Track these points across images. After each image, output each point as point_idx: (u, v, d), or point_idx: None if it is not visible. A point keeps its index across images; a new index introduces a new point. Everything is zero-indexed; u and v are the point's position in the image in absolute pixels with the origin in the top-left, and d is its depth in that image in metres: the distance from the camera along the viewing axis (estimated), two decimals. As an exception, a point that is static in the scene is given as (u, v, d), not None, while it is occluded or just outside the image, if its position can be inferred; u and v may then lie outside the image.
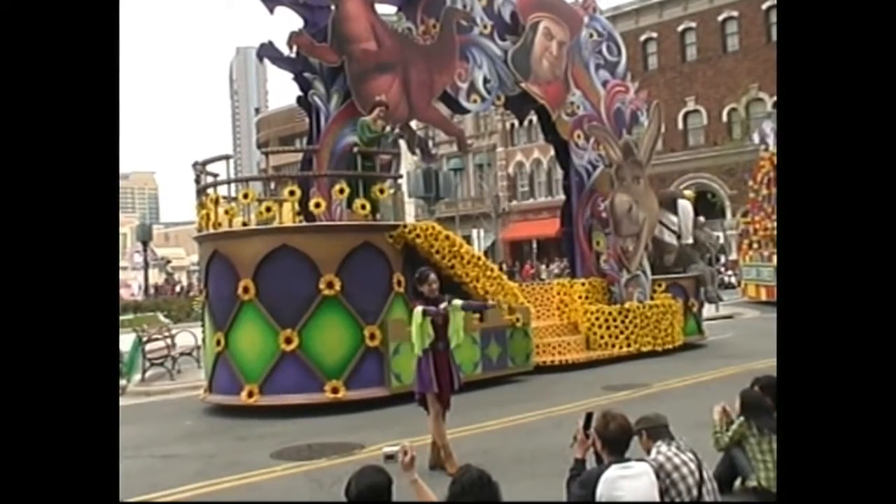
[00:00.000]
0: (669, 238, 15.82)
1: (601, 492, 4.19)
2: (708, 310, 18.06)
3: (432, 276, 7.29)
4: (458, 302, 7.25)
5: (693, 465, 4.62)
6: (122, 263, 56.94)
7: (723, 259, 37.42)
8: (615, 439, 4.40)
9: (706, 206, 35.00)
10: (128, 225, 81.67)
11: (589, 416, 4.53)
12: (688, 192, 18.46)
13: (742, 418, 5.72)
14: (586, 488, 4.26)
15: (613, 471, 4.25)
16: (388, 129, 11.51)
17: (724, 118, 40.97)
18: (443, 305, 7.08)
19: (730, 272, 34.95)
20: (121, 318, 23.74)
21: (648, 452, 4.75)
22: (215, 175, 11.95)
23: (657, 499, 4.32)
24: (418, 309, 7.00)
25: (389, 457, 6.64)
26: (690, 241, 16.33)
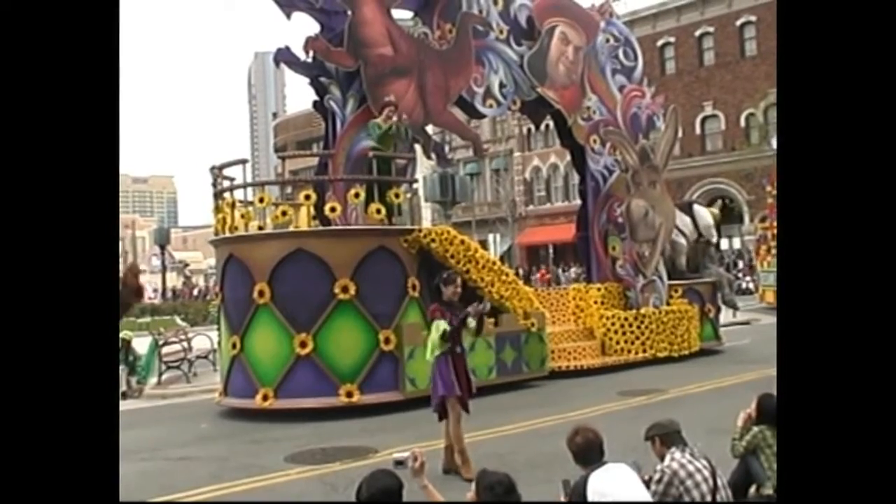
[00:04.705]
0: (678, 237, 15.81)
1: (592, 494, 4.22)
2: (725, 315, 17.96)
3: (458, 280, 7.34)
4: (472, 325, 7.23)
5: (707, 472, 4.58)
6: (140, 266, 57.41)
7: (740, 264, 37.28)
8: (581, 451, 4.45)
9: (725, 211, 34.87)
10: (146, 228, 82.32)
11: (566, 483, 4.54)
12: (713, 210, 18.61)
13: (757, 428, 5.66)
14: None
15: (594, 478, 4.26)
16: (400, 127, 11.45)
17: (742, 123, 40.75)
18: (472, 313, 7.12)
19: (747, 278, 34.74)
20: (138, 321, 24.00)
21: (662, 459, 4.72)
22: (232, 179, 12.02)
23: (645, 491, 4.33)
24: (442, 323, 7.00)
25: (399, 462, 6.63)
26: (714, 240, 16.72)
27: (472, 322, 7.17)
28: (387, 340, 10.49)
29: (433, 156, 13.35)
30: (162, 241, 39.00)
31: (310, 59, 11.67)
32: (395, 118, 11.25)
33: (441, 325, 7.00)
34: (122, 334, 13.81)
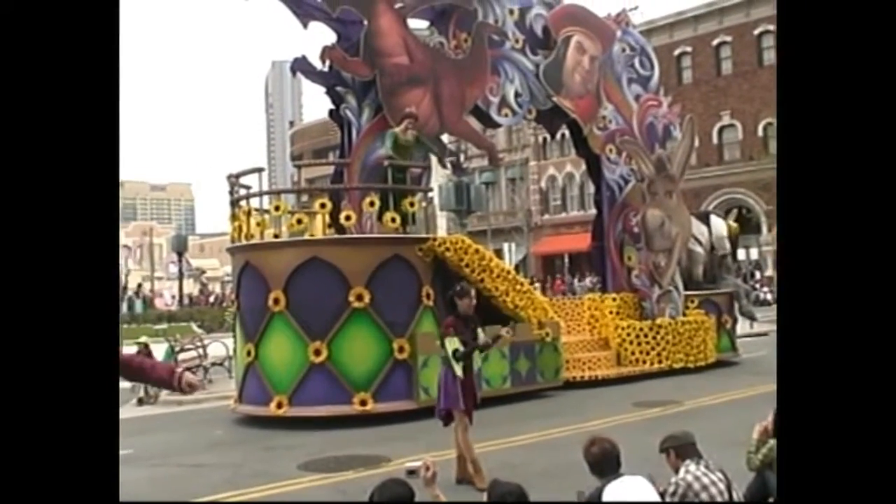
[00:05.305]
0: (694, 246, 15.72)
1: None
2: (742, 326, 17.84)
3: (472, 292, 7.32)
4: (483, 337, 7.32)
5: (722, 486, 4.53)
6: (156, 273, 57.77)
7: (758, 275, 37.04)
8: (597, 462, 4.43)
9: (743, 222, 34.65)
10: (164, 235, 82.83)
11: (581, 494, 4.52)
12: (731, 223, 18.38)
13: (774, 441, 5.60)
14: None
15: (609, 490, 4.24)
16: (416, 138, 11.52)
17: (760, 132, 40.51)
18: (482, 339, 7.26)
19: (765, 289, 34.50)
20: (155, 327, 24.14)
21: (676, 471, 4.67)
22: (248, 187, 12.09)
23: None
24: (455, 340, 7.00)
25: (411, 472, 6.62)
26: (723, 252, 16.44)
27: (482, 338, 7.23)
28: (401, 349, 10.50)
29: (448, 165, 13.35)
30: (179, 248, 39.16)
31: (326, 69, 11.73)
32: (412, 131, 11.31)
33: (454, 343, 6.98)
34: (141, 339, 13.96)
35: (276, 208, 11.30)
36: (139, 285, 46.76)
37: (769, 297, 32.50)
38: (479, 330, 7.27)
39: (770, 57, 40.68)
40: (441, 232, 22.87)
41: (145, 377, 4.84)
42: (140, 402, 13.24)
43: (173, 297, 43.02)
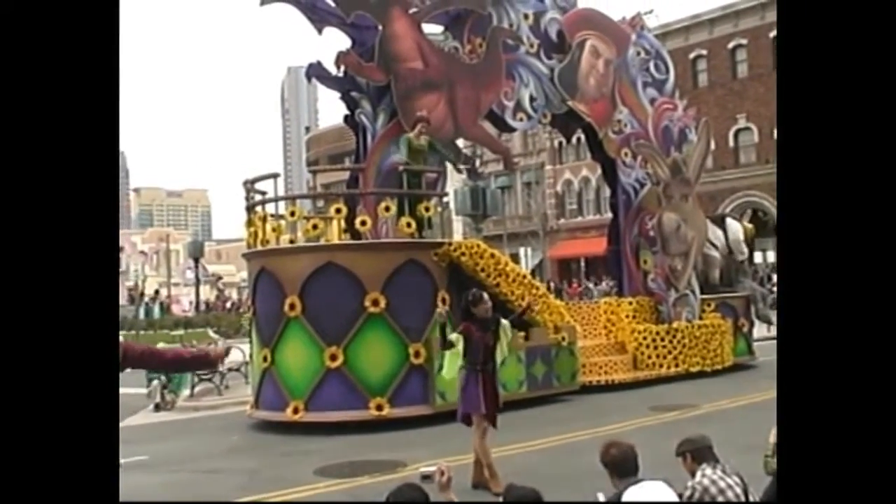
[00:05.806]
0: (710, 249, 15.66)
1: None
2: (759, 330, 17.73)
3: (486, 296, 7.34)
4: (506, 322, 7.35)
5: (739, 490, 4.50)
6: (173, 279, 58.11)
7: (774, 278, 36.77)
8: (616, 463, 4.39)
9: (759, 225, 34.44)
10: (180, 241, 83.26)
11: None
12: (748, 226, 18.21)
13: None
14: None
15: (628, 494, 4.21)
16: (429, 143, 11.53)
17: (776, 135, 40.25)
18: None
19: (783, 292, 34.24)
20: (172, 333, 24.29)
21: (693, 475, 4.64)
22: (264, 193, 12.14)
23: None
24: (456, 338, 7.05)
25: (426, 477, 6.62)
26: (741, 257, 16.34)
27: (506, 324, 7.24)
28: (416, 354, 10.50)
29: (464, 169, 13.35)
30: (196, 254, 39.34)
31: (341, 74, 11.77)
32: (424, 135, 11.32)
33: (457, 340, 7.06)
34: (158, 346, 14.02)
35: (292, 214, 11.33)
36: (156, 291, 47.05)
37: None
38: (501, 330, 7.29)
39: (786, 59, 40.42)
40: (457, 236, 22.87)
41: (184, 363, 5.03)
42: (157, 408, 13.30)
43: (190, 302, 43.21)
